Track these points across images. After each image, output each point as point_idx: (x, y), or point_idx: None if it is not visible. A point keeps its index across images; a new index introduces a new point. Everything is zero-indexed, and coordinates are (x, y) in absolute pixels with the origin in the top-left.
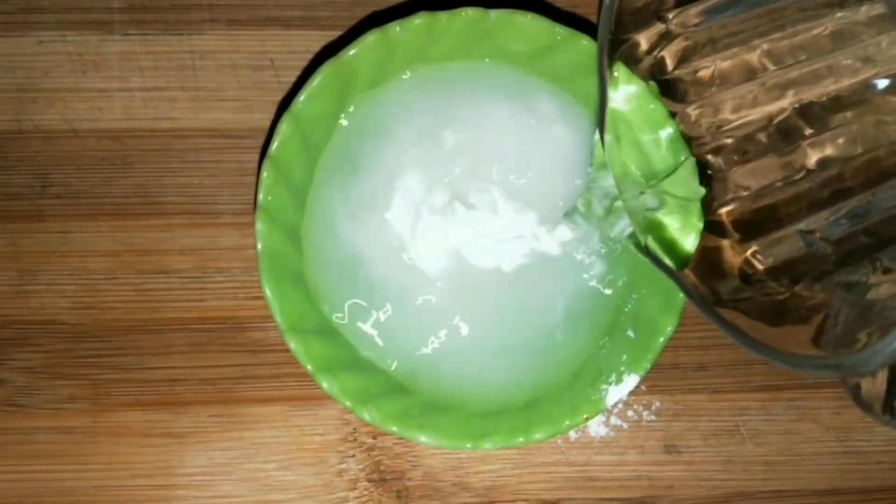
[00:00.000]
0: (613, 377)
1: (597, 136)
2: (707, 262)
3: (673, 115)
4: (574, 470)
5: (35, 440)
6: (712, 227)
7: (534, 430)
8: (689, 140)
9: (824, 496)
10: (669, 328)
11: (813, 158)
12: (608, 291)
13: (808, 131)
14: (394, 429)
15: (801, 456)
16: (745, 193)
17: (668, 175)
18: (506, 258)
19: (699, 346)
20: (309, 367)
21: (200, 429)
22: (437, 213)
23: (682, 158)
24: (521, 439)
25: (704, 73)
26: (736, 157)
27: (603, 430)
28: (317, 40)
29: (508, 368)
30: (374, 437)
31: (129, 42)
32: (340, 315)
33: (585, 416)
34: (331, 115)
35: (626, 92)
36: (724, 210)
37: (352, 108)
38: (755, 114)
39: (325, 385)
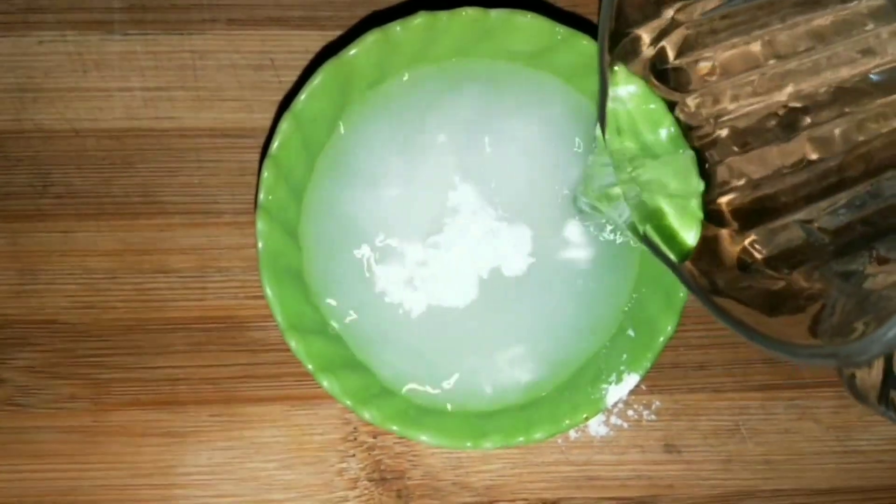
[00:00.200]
0: (613, 376)
1: (598, 129)
2: (705, 251)
3: (673, 104)
4: (574, 469)
5: (36, 439)
6: (711, 216)
7: (534, 429)
8: (689, 130)
9: (824, 495)
10: (669, 327)
11: (812, 149)
12: (611, 292)
13: (807, 122)
14: (394, 428)
15: (800, 455)
16: (744, 183)
17: (665, 157)
18: (507, 260)
19: (699, 345)
20: (309, 366)
21: (201, 428)
22: (437, 214)
23: (682, 151)
24: (521, 438)
25: (705, 63)
26: (735, 147)
27: (603, 430)
28: (317, 40)
29: (508, 369)
30: (375, 437)
31: (130, 42)
32: (337, 315)
33: (585, 416)
34: (331, 114)
35: (625, 91)
36: (723, 199)
37: (351, 107)
38: (755, 104)
39: (325, 384)
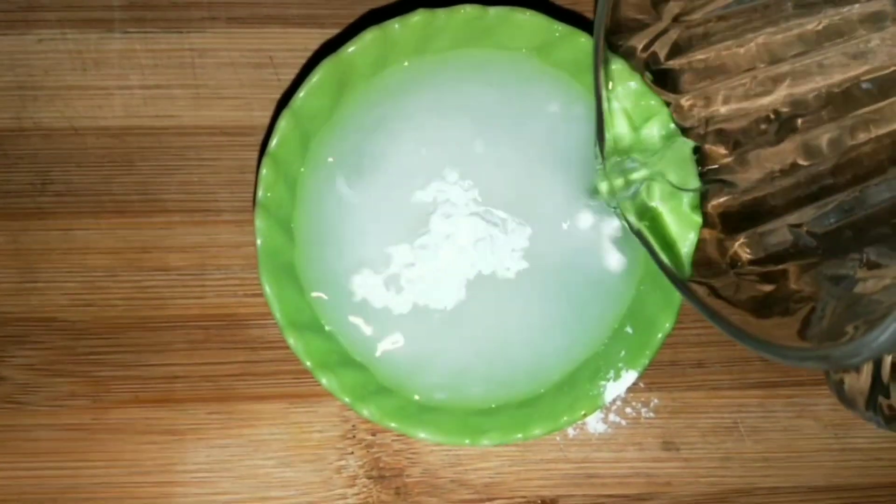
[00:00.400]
0: (612, 373)
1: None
2: (697, 252)
3: (667, 105)
4: (572, 467)
5: (35, 437)
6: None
7: (532, 426)
8: (682, 131)
9: (822, 493)
10: (668, 325)
11: (801, 153)
12: (612, 292)
13: (797, 126)
14: (393, 425)
15: (799, 453)
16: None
17: (664, 148)
18: (506, 257)
19: (697, 342)
20: (308, 363)
21: (200, 426)
22: (432, 208)
23: (680, 141)
24: (519, 435)
25: (698, 65)
26: (725, 150)
27: (601, 427)
28: (316, 38)
29: (506, 367)
30: (373, 434)
31: (130, 40)
32: (328, 311)
33: (583, 413)
34: (330, 111)
35: (623, 87)
36: (713, 202)
37: (346, 100)
38: (746, 107)
39: (324, 381)
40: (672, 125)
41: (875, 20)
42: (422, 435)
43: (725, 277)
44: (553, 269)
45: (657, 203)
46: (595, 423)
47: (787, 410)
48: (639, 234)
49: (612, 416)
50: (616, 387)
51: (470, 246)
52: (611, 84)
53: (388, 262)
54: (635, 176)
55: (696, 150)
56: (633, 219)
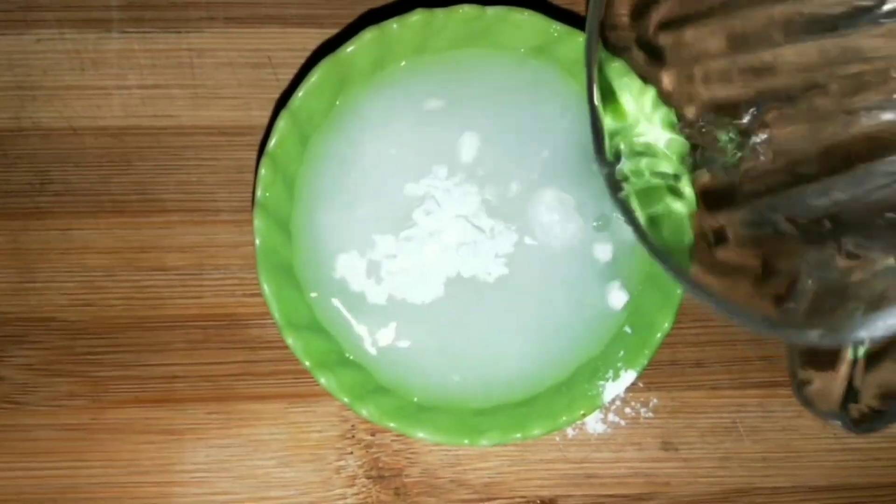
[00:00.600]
0: (611, 373)
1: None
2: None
3: (649, 78)
4: (572, 467)
5: (34, 437)
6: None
7: (531, 426)
8: (673, 114)
9: (822, 493)
10: (667, 324)
11: (779, 141)
12: (599, 306)
13: (776, 114)
14: (392, 425)
15: (798, 452)
16: (714, 166)
17: (660, 142)
18: (489, 262)
19: (696, 342)
20: (307, 363)
21: (199, 425)
22: (420, 203)
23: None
24: (518, 435)
25: (683, 44)
26: (704, 130)
27: (600, 427)
28: (314, 38)
29: (505, 368)
30: (373, 434)
31: (128, 40)
32: (322, 309)
33: (582, 412)
34: (328, 111)
35: (620, 84)
36: (698, 181)
37: (346, 100)
38: (726, 90)
39: (323, 381)
40: (669, 119)
41: (858, 14)
42: (421, 435)
43: (709, 252)
44: (536, 277)
45: (654, 190)
46: (594, 423)
47: (786, 410)
48: (636, 223)
49: (611, 416)
50: (615, 387)
51: (453, 248)
52: (610, 79)
53: (373, 248)
54: (633, 167)
55: (688, 136)
56: (633, 209)
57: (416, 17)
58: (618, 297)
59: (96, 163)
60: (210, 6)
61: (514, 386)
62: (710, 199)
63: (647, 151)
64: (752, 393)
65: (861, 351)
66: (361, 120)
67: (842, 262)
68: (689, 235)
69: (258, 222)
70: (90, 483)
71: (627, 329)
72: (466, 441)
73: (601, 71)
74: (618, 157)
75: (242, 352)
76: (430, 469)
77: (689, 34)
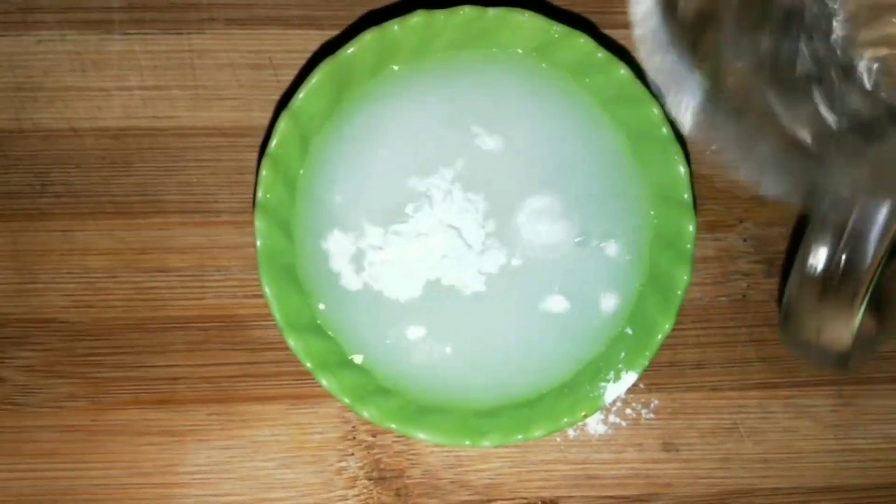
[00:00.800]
0: (612, 374)
1: None
2: None
3: None
4: (573, 468)
5: (34, 438)
6: None
7: (532, 427)
8: None
9: (822, 493)
10: (667, 325)
11: None
12: (614, 300)
13: None
14: (393, 426)
15: (798, 453)
16: None
17: None
18: (470, 278)
19: (697, 343)
20: (308, 364)
21: (200, 427)
22: (415, 200)
23: None
24: (519, 436)
25: None
26: None
27: (601, 428)
28: (315, 39)
29: (504, 369)
30: (374, 435)
31: (129, 41)
32: (325, 314)
33: (584, 414)
34: (329, 112)
35: None
36: None
37: (347, 102)
38: None
39: (324, 382)
40: None
41: None
42: (422, 436)
43: None
44: (513, 299)
45: None
46: (595, 425)
47: (786, 411)
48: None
49: (612, 418)
50: (616, 388)
51: (437, 256)
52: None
53: (362, 235)
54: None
55: None
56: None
57: (417, 18)
58: (608, 302)
59: (97, 164)
60: (211, 8)
61: (516, 386)
62: None
63: None
64: (753, 394)
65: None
66: (362, 121)
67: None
68: None
69: (259, 223)
70: (91, 485)
71: (628, 330)
72: (468, 442)
73: None
74: None
75: (243, 353)
76: (432, 470)
77: None
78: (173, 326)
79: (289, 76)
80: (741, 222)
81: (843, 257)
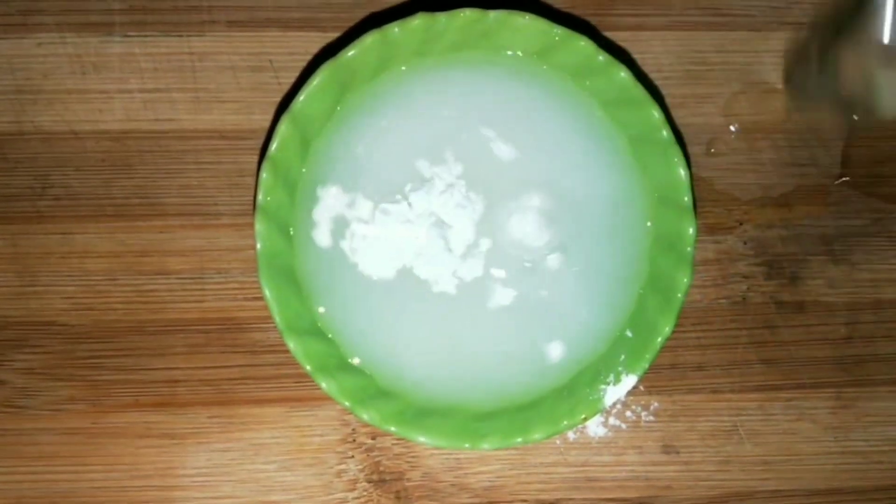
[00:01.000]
0: (612, 377)
1: None
2: None
3: None
4: (572, 470)
5: (35, 441)
6: None
7: (532, 430)
8: None
9: (822, 496)
10: (667, 328)
11: None
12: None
13: None
14: (392, 429)
15: (798, 456)
16: None
17: None
18: (442, 278)
19: (697, 346)
20: (308, 367)
21: (200, 430)
22: (424, 212)
23: None
24: (519, 439)
25: None
26: None
27: (601, 431)
28: (316, 41)
29: (504, 372)
30: (374, 438)
31: (129, 44)
32: (325, 317)
33: (584, 417)
34: (330, 115)
35: None
36: None
37: (347, 104)
38: None
39: (324, 385)
40: None
41: None
42: (421, 439)
43: None
44: (478, 312)
45: None
46: (595, 427)
47: (786, 413)
48: None
49: (612, 420)
50: (616, 390)
51: (417, 247)
52: None
53: (352, 206)
54: None
55: None
56: None
57: (418, 20)
58: (555, 350)
59: (97, 167)
60: (212, 10)
61: (515, 389)
62: None
63: None
64: (753, 396)
65: None
66: (362, 123)
67: None
68: None
69: (259, 226)
70: (91, 487)
71: (628, 333)
72: (467, 445)
73: None
74: None
75: (243, 356)
76: (431, 473)
77: None
78: (173, 329)
79: (290, 78)
80: (741, 225)
81: None
